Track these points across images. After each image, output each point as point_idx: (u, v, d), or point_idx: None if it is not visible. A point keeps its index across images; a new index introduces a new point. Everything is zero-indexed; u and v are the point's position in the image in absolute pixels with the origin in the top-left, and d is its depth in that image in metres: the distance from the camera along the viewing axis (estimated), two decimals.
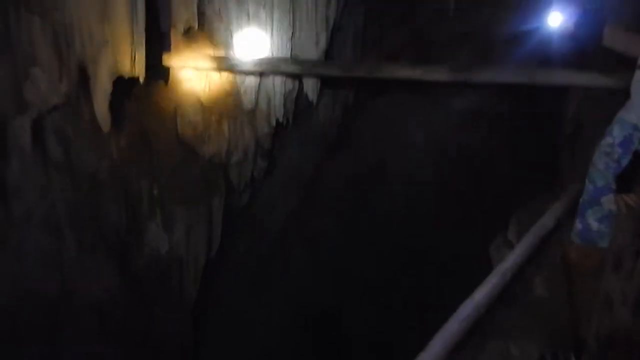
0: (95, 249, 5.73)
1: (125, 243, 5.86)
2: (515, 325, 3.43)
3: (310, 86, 6.14)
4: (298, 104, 6.56)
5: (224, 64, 5.81)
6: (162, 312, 6.10)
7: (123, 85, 5.21)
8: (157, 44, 5.62)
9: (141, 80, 5.18)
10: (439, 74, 5.22)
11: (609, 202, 2.58)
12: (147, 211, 5.83)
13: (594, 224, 2.64)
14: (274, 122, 6.30)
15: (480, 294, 2.52)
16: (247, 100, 6.15)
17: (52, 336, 5.57)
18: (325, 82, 6.42)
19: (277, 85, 6.08)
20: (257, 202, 7.87)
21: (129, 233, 5.84)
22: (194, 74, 6.04)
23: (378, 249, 8.98)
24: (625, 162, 2.53)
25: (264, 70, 5.87)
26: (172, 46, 5.89)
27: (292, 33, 5.81)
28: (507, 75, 5.28)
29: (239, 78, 6.09)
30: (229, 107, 6.25)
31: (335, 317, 8.60)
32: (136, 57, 5.07)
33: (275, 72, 5.92)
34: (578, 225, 2.70)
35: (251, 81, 6.09)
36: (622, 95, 2.58)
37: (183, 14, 5.76)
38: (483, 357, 3.24)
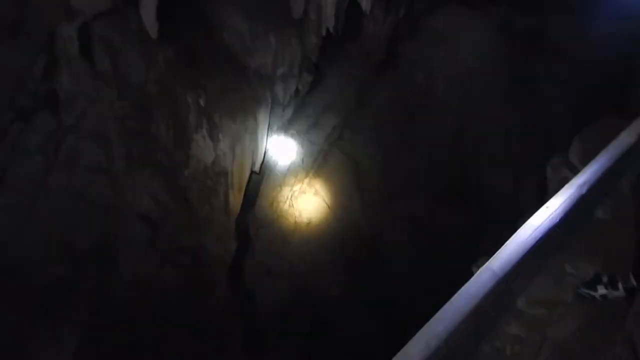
0: (143, 160, 5.78)
1: (172, 154, 5.86)
2: (572, 245, 3.29)
3: None
4: (349, 15, 6.22)
5: None
6: (208, 222, 6.18)
7: None
8: None
9: None
10: None
11: None
12: (193, 123, 5.78)
13: None
14: (323, 33, 6.02)
15: (555, 204, 2.34)
16: (296, 9, 5.88)
17: (105, 243, 5.74)
18: None
19: None
20: (301, 118, 7.71)
21: (176, 144, 5.83)
22: None
23: (423, 176, 8.76)
24: None
25: None
26: None
27: None
28: None
29: None
30: (276, 16, 6.00)
31: (374, 243, 8.52)
32: None
33: None
34: None
35: None
36: None
37: None
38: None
